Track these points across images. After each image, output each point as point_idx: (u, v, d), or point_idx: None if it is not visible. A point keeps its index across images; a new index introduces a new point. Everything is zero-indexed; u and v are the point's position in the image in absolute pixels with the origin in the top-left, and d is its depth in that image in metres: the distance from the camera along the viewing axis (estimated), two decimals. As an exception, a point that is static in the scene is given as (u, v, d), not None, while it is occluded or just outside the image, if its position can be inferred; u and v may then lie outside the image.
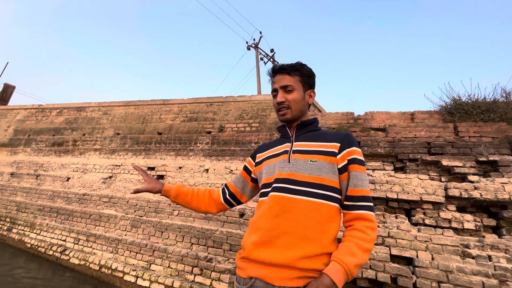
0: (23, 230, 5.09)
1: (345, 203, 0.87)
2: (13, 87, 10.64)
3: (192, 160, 4.60)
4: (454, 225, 2.70)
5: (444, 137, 3.17)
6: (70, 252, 4.25)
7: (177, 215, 4.04)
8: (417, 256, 2.53)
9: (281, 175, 0.88)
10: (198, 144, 4.75)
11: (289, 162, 0.90)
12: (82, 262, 4.02)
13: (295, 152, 0.91)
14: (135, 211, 4.36)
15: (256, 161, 1.07)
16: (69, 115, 6.77)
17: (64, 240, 4.54)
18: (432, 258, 2.49)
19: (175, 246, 3.71)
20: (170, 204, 4.16)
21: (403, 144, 3.25)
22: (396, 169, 3.28)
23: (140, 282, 3.43)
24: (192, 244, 3.63)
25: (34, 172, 6.05)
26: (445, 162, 2.96)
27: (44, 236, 4.78)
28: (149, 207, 4.29)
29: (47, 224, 4.89)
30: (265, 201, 0.89)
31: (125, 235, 4.15)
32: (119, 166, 5.12)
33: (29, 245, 4.76)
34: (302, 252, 0.77)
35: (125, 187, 4.78)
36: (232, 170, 4.17)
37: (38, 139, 6.71)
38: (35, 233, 4.91)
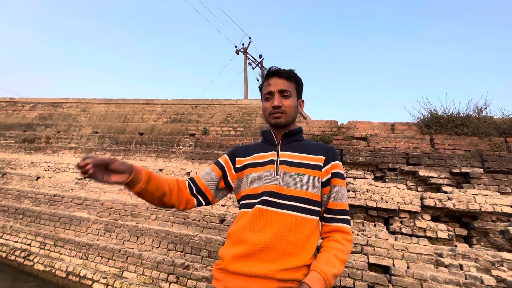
0: (-18, 232, 4.67)
1: (325, 215, 0.89)
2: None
3: (173, 163, 4.46)
4: (428, 234, 2.78)
5: (421, 149, 3.29)
6: (35, 257, 3.94)
7: (154, 219, 3.87)
8: (393, 265, 2.57)
9: (268, 188, 0.85)
10: (181, 146, 4.63)
11: (276, 174, 0.87)
12: (48, 269, 3.74)
13: (282, 163, 0.89)
14: (109, 214, 4.14)
15: (237, 166, 0.98)
16: (44, 111, 6.40)
17: (29, 244, 4.22)
18: (408, 267, 2.54)
19: (150, 252, 3.55)
20: (148, 208, 3.99)
21: (383, 154, 3.34)
22: (376, 178, 3.35)
23: (110, 290, 3.22)
24: (169, 250, 3.49)
25: (0, 170, 5.61)
26: (421, 172, 3.06)
27: (7, 240, 4.41)
28: (126, 210, 4.09)
29: (11, 226, 4.53)
30: (249, 213, 0.85)
31: (97, 239, 3.92)
32: (95, 166, 4.87)
33: (-12, 249, 4.37)
34: (282, 265, 0.77)
35: (100, 189, 4.54)
36: (214, 174, 4.08)
37: (7, 134, 6.26)
38: (-3, 236, 4.52)
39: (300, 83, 0.99)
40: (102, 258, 3.63)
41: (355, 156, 3.41)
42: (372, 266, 2.67)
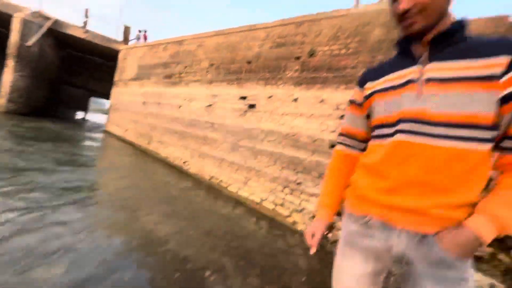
0: (157, 145, 6.76)
1: (503, 144, 0.64)
2: (129, 28, 12.49)
3: (281, 89, 4.54)
4: None
5: None
6: (189, 164, 5.45)
7: (268, 142, 4.34)
8: None
9: (408, 114, 0.68)
10: (287, 72, 4.55)
11: (419, 96, 0.67)
12: (198, 172, 5.14)
13: (430, 80, 0.66)
14: (232, 136, 4.95)
15: (366, 93, 0.82)
16: (172, 50, 7.58)
17: (184, 155, 5.80)
18: None
19: (268, 168, 4.15)
20: (262, 131, 4.47)
21: None
22: None
23: (240, 193, 4.15)
24: (283, 168, 3.95)
25: (156, 101, 7.51)
26: None
27: (171, 151, 6.23)
28: (244, 133, 4.75)
29: (170, 142, 6.28)
30: (385, 146, 0.74)
31: (227, 155, 4.89)
32: (216, 95, 5.66)
33: (162, 156, 6.37)
34: (436, 201, 0.65)
35: (222, 115, 5.37)
36: (323, 100, 3.91)
37: (154, 73, 8.01)
38: (164, 147, 6.45)
39: None
40: (232, 169, 4.59)
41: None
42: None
